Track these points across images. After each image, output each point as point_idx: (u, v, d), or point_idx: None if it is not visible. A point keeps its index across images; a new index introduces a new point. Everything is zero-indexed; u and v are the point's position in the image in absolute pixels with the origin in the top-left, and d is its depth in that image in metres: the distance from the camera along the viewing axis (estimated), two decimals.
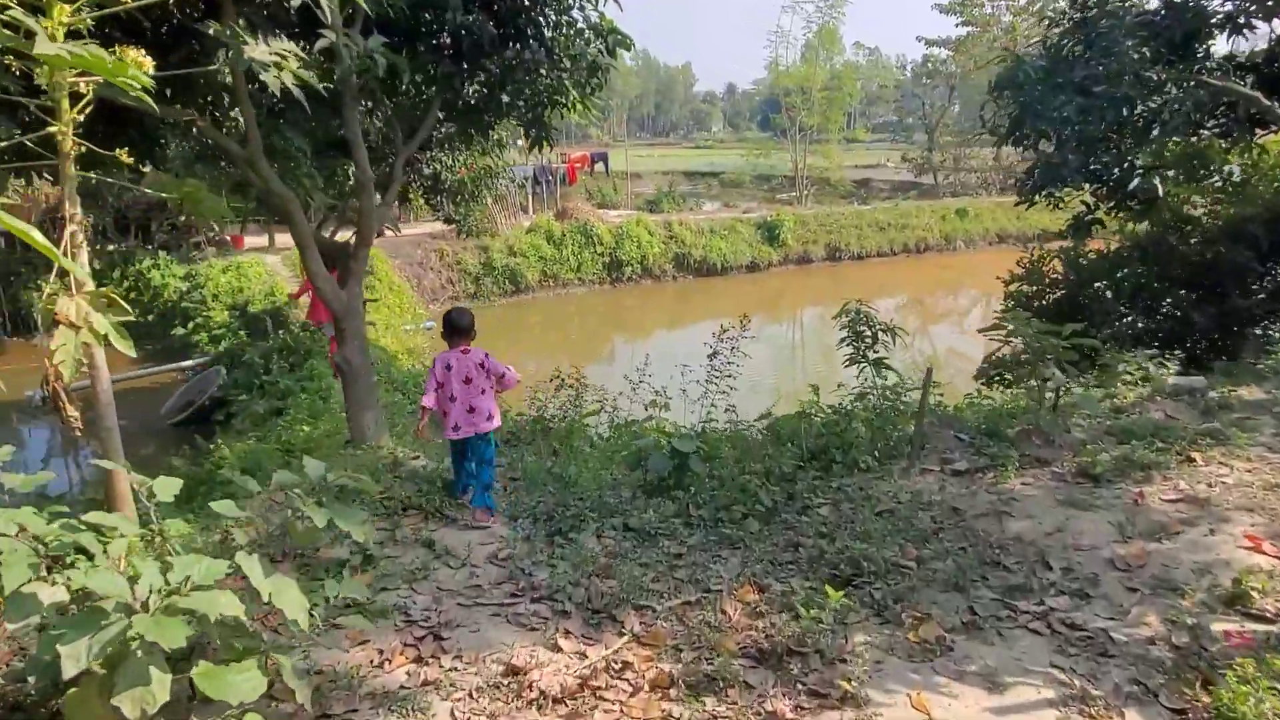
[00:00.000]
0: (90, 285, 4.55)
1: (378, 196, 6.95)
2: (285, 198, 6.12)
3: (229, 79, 5.84)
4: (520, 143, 14.54)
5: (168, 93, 6.67)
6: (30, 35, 3.42)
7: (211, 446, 9.55)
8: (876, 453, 5.73)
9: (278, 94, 4.71)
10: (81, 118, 4.18)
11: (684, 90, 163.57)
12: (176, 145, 9.03)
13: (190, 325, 20.08)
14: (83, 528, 2.90)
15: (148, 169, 6.86)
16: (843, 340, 10.59)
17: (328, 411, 9.88)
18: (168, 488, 3.22)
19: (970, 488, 5.22)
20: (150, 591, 2.57)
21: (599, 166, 36.93)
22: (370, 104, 8.19)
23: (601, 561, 4.54)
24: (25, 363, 20.59)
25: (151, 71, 4.78)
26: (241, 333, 18.32)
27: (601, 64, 8.19)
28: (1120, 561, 4.23)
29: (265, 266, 21.25)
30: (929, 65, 44.46)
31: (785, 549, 4.71)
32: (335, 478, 3.70)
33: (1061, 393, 5.97)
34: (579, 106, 8.75)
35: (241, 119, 6.02)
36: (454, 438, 5.54)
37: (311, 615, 3.00)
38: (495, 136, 14.47)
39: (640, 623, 3.92)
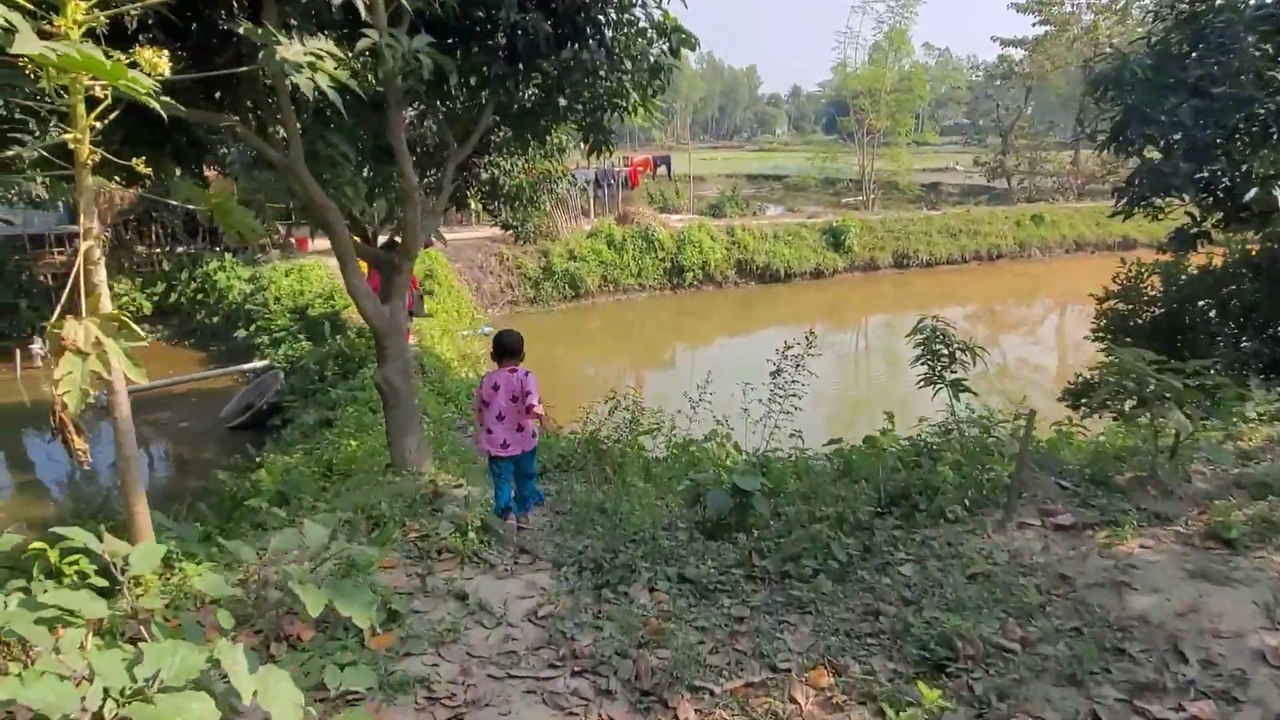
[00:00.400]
0: (108, 306, 4.22)
1: (431, 200, 6.54)
2: (324, 207, 5.75)
3: (270, 81, 5.48)
4: (581, 146, 14.21)
5: (216, 95, 6.39)
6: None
7: (257, 459, 9.31)
8: (966, 500, 5.08)
9: (311, 96, 4.31)
10: (100, 124, 3.85)
11: (749, 93, 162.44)
12: (236, 150, 8.84)
13: (252, 328, 20.19)
14: (47, 606, 2.48)
15: (177, 173, 6.58)
16: (917, 359, 9.89)
17: (376, 425, 9.57)
18: (148, 557, 2.79)
19: (1079, 548, 4.54)
20: (106, 698, 2.13)
21: (661, 170, 36.42)
22: (422, 108, 7.81)
23: (653, 624, 4.02)
24: None
25: (180, 73, 4.44)
26: (301, 336, 18.31)
27: (664, 65, 7.67)
28: (1272, 655, 3.54)
29: (326, 269, 21.28)
30: (1004, 66, 42.87)
31: (863, 616, 4.11)
32: (338, 550, 3.22)
33: (1182, 438, 5.22)
34: (640, 110, 8.25)
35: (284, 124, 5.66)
36: (502, 455, 5.68)
37: (309, 710, 2.53)
38: (554, 141, 14.07)
39: (696, 710, 3.38)
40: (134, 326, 3.98)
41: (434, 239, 6.43)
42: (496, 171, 13.64)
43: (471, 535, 4.78)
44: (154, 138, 6.85)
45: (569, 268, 27.67)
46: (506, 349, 5.92)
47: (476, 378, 14.71)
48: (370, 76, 5.26)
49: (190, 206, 4.17)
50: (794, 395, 10.20)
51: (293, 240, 25.88)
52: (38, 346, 20.30)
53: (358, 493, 5.39)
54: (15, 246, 22.72)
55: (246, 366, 18.58)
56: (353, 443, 8.67)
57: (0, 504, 12.79)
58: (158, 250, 23.34)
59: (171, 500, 12.39)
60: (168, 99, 4.21)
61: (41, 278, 22.58)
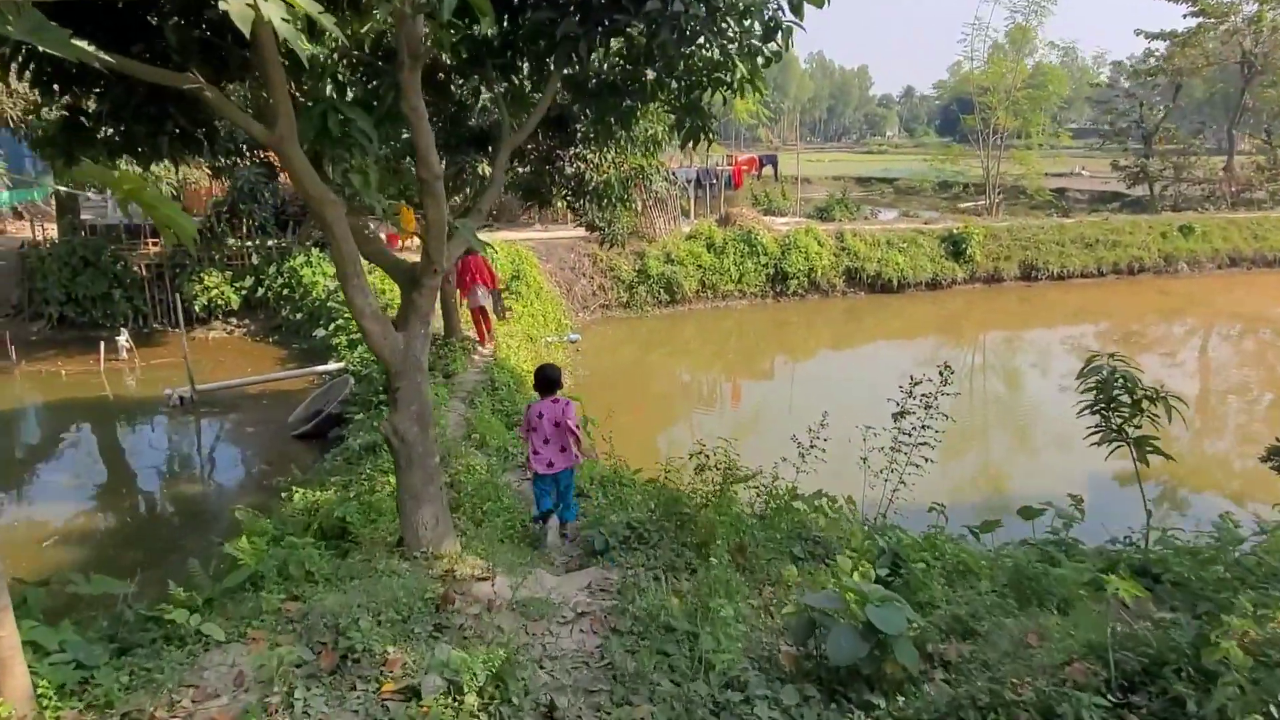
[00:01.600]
0: None
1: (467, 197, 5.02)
2: (321, 199, 4.32)
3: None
4: (675, 136, 12.58)
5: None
6: None
7: (290, 488, 8.05)
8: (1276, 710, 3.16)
9: (297, 48, 2.86)
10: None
11: (859, 93, 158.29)
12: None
13: (332, 326, 19.38)
14: None
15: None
16: (1087, 407, 7.84)
17: None
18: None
19: None
20: None
21: (767, 170, 34.39)
22: (478, 81, 6.34)
23: None
24: (178, 356, 20.59)
25: None
26: None
27: (781, 26, 5.96)
28: None
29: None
30: (1150, 60, 38.96)
31: None
32: None
33: None
34: (746, 89, 6.58)
35: (271, 89, 4.23)
36: (548, 473, 6.59)
37: None
38: (645, 130, 12.48)
39: None
40: None
41: (477, 249, 4.89)
42: (582, 166, 12.16)
43: (471, 700, 3.18)
44: (149, 113, 5.59)
45: (665, 271, 26.09)
46: (549, 381, 6.80)
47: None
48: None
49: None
50: (924, 443, 8.32)
51: (383, 236, 25.17)
52: (124, 339, 20.04)
53: (339, 592, 3.93)
54: (112, 237, 22.69)
55: (321, 368, 17.72)
56: (393, 480, 7.29)
57: (74, 511, 12.08)
58: (247, 243, 22.91)
59: (210, 523, 11.46)
60: (83, 44, 2.83)
61: (136, 268, 22.46)
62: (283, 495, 7.92)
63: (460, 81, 6.58)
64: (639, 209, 17.60)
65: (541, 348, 17.81)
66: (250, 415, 16.71)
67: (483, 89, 7.24)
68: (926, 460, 8.10)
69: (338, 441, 12.82)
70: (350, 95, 5.30)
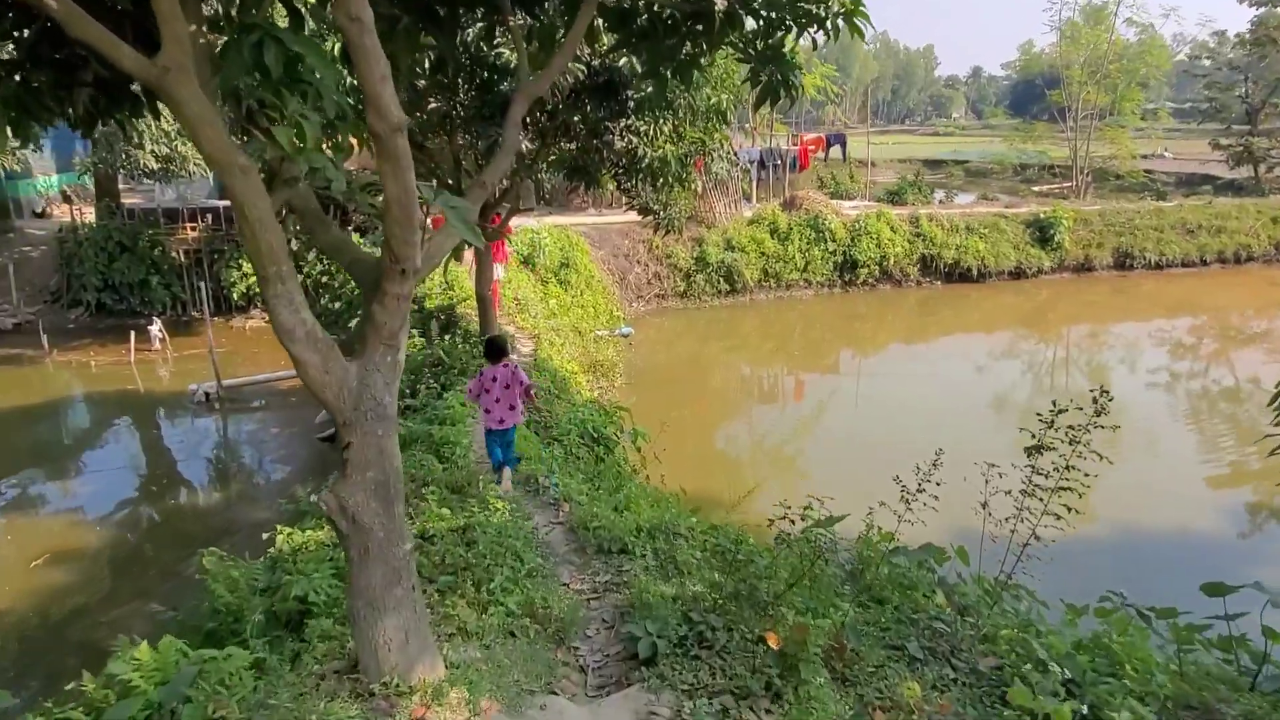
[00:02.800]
0: None
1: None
2: (226, 163, 2.86)
3: None
4: (744, 106, 10.82)
5: None
6: None
7: (265, 535, 6.68)
8: None
9: None
10: None
11: (925, 74, 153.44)
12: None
13: None
14: None
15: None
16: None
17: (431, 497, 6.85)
18: None
19: None
20: None
21: (835, 151, 32.18)
22: (489, 12, 4.81)
23: None
24: (215, 346, 19.64)
25: None
26: (415, 332, 16.02)
27: None
28: None
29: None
30: (1262, 29, 35.54)
31: None
32: None
33: None
34: (841, 25, 4.99)
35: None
36: (499, 428, 7.42)
37: None
38: (709, 97, 10.83)
39: None
40: None
41: (473, 244, 3.39)
42: (635, 140, 10.57)
43: None
44: (53, 58, 4.21)
45: (725, 259, 24.35)
46: (499, 350, 7.50)
47: (605, 404, 11.78)
48: None
49: None
50: (1066, 488, 6.53)
51: (429, 223, 23.93)
52: (156, 328, 19.16)
53: None
54: (150, 221, 21.86)
55: None
56: None
57: (72, 523, 11.04)
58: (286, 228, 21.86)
59: (213, 543, 10.15)
60: None
61: (174, 254, 21.61)
62: (265, 537, 6.54)
63: (464, 12, 5.04)
64: (699, 190, 15.92)
65: (590, 343, 16.32)
66: (277, 414, 15.59)
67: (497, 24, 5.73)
68: (1070, 510, 6.34)
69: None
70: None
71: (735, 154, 25.72)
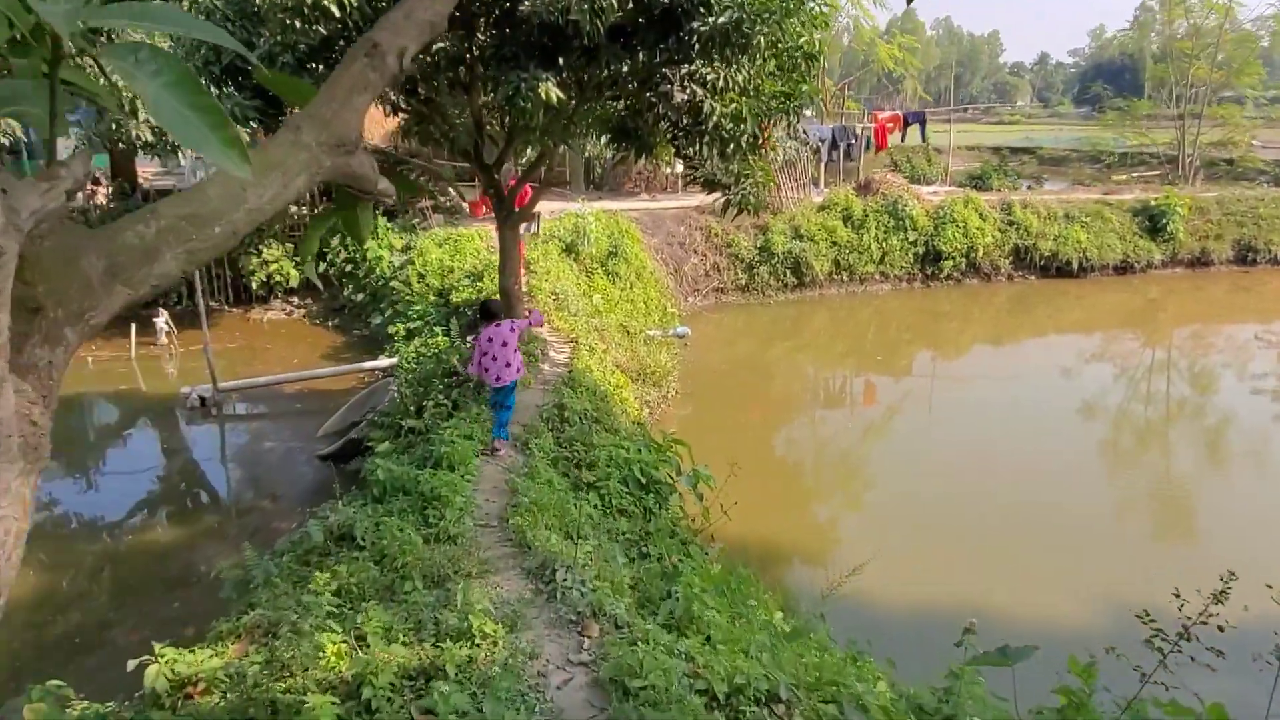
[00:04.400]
0: None
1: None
2: None
3: None
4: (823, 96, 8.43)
5: None
6: None
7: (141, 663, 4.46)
8: None
9: None
10: None
11: (989, 61, 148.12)
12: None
13: (389, 312, 16.10)
14: None
15: None
16: None
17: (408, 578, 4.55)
18: None
19: None
20: None
21: (914, 131, 29.20)
22: None
23: None
24: (226, 341, 17.79)
25: None
26: (438, 329, 13.87)
27: None
28: None
29: (484, 240, 16.79)
30: None
31: None
32: None
33: None
34: None
35: None
36: (499, 385, 7.70)
37: None
38: (798, 35, 8.37)
39: None
40: None
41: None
42: (699, 92, 8.17)
43: None
44: None
45: (792, 249, 21.77)
46: (492, 313, 7.89)
47: (655, 433, 9.40)
48: None
49: None
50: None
51: (465, 204, 21.82)
52: (162, 320, 17.31)
53: None
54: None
55: (370, 364, 14.41)
56: (334, 650, 3.64)
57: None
58: (309, 213, 19.88)
59: (175, 587, 8.12)
60: None
61: None
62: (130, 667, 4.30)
63: None
64: (778, 160, 13.44)
65: (640, 345, 13.97)
66: (276, 423, 13.57)
67: None
68: (1218, 654, 3.82)
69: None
70: None
71: (804, 131, 23.09)
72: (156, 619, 7.63)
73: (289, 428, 13.13)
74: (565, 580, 4.62)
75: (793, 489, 12.11)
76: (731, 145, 8.47)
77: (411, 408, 9.20)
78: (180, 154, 20.67)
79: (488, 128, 9.73)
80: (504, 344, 7.55)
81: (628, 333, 14.27)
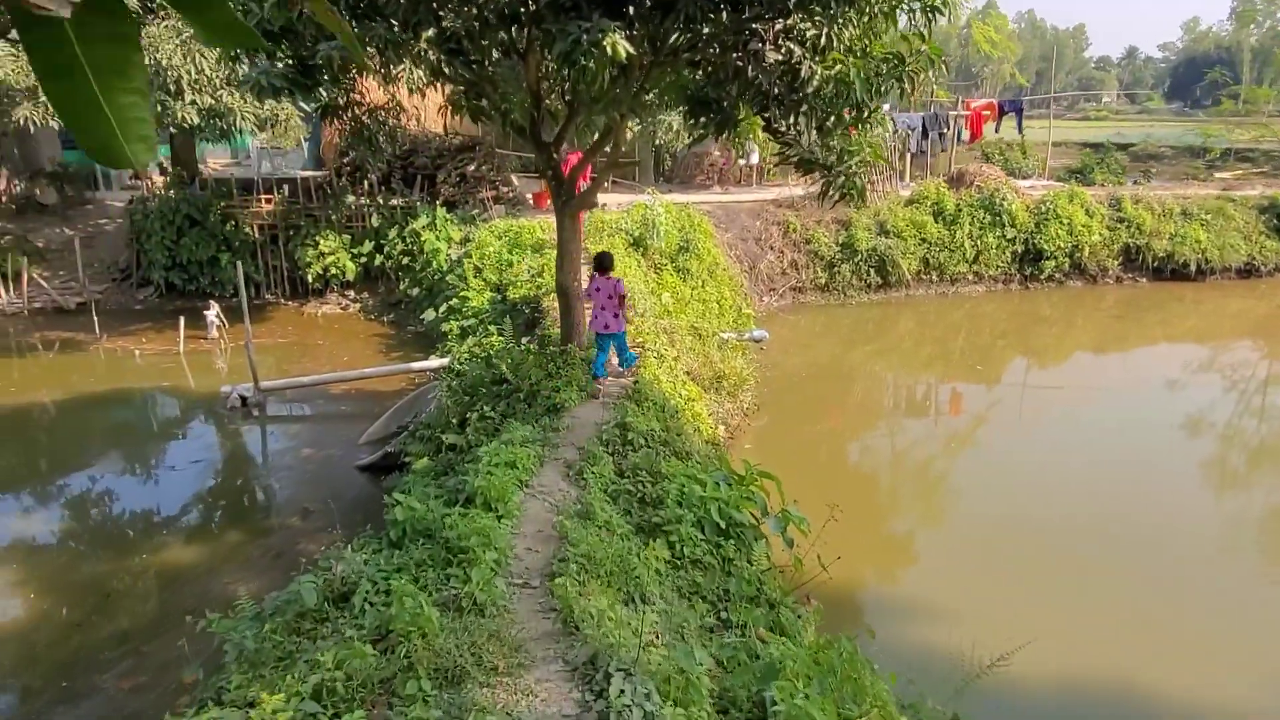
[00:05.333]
0: None
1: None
2: None
3: None
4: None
5: None
6: None
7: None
8: None
9: None
10: None
11: (1074, 55, 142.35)
12: None
13: (444, 308, 15.07)
14: None
15: None
16: None
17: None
18: None
19: None
20: None
21: (1010, 122, 27.08)
22: None
23: None
24: (278, 336, 17.06)
25: None
26: (493, 327, 12.74)
27: None
28: None
29: (544, 233, 15.61)
30: None
31: None
32: None
33: None
34: None
35: None
36: (605, 333, 8.61)
37: None
38: None
39: None
40: None
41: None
42: (796, 51, 6.80)
43: None
44: None
45: (877, 246, 20.12)
46: (605, 265, 8.57)
47: (736, 461, 8.05)
48: None
49: None
50: None
51: (528, 196, 20.78)
52: (213, 314, 16.66)
53: None
54: (221, 193, 19.44)
55: (419, 365, 13.38)
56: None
57: (9, 581, 8.29)
58: (367, 203, 19.05)
59: (174, 626, 6.99)
60: None
61: (248, 229, 19.16)
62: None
63: None
64: (888, 138, 11.99)
65: (713, 349, 12.61)
66: (318, 427, 12.65)
67: None
68: None
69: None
70: None
71: (891, 118, 21.37)
72: (155, 663, 6.63)
73: (331, 432, 12.18)
74: (621, 694, 3.33)
75: (889, 522, 10.61)
76: (834, 117, 7.06)
77: (454, 420, 8.06)
78: (239, 139, 20.08)
79: (546, 101, 8.50)
80: (610, 296, 8.42)
81: (699, 336, 12.93)
